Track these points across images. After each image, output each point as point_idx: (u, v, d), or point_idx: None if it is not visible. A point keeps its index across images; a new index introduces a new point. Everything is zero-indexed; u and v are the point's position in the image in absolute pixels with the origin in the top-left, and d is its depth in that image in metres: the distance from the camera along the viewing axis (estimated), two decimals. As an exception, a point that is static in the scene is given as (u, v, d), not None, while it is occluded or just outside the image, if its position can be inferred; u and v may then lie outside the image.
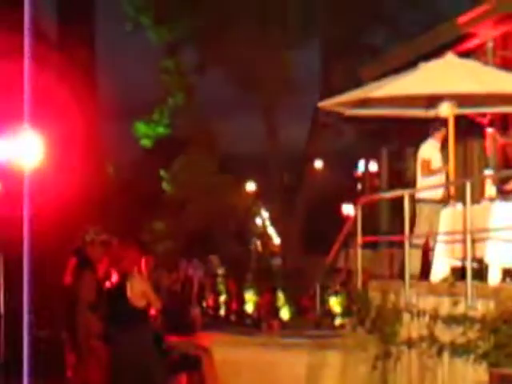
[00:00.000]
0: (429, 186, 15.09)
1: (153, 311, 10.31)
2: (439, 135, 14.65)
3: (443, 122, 14.69)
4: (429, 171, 14.22)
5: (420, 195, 14.60)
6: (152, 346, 9.98)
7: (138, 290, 9.53)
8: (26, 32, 8.06)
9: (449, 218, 13.44)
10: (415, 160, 21.09)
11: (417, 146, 22.64)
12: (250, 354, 13.01)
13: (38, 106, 16.49)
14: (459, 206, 12.97)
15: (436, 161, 14.44)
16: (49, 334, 15.01)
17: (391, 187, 22.49)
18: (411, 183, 21.38)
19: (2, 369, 13.91)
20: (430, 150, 14.54)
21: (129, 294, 9.48)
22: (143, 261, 9.79)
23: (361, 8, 29.98)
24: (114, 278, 9.75)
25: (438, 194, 14.35)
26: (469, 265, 11.62)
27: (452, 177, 15.35)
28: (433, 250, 13.76)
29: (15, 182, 17.65)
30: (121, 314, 9.54)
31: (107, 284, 9.75)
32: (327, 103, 16.55)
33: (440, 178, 13.86)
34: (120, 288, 9.54)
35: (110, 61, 31.28)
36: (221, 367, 12.70)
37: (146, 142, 31.46)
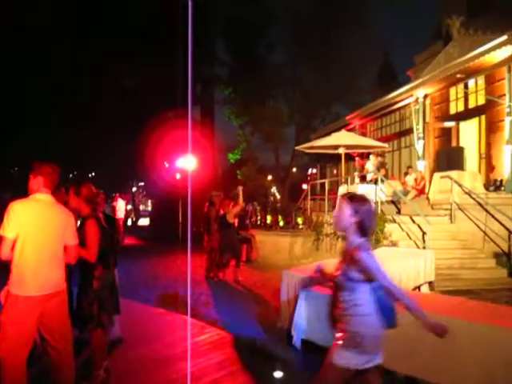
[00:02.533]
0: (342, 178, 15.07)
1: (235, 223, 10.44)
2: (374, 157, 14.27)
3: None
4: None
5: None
6: (235, 234, 10.03)
7: (230, 216, 9.63)
8: (190, 120, 8.19)
9: (342, 189, 13.39)
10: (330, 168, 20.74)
11: (330, 164, 22.50)
12: (269, 237, 12.99)
13: (194, 146, 16.56)
14: (346, 185, 12.93)
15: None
16: (196, 229, 15.00)
17: (321, 178, 22.38)
18: (327, 177, 21.25)
19: (180, 243, 14.00)
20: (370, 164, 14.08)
21: (227, 217, 9.59)
22: (232, 204, 9.81)
23: (310, 114, 29.75)
24: (222, 211, 9.83)
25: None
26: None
27: (344, 174, 15.26)
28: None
29: (186, 174, 17.69)
30: (224, 224, 9.63)
31: (221, 213, 9.88)
32: (298, 147, 16.47)
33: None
34: (224, 215, 9.64)
35: (219, 129, 31.39)
36: (259, 242, 12.69)
37: (232, 161, 31.30)
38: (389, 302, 2.80)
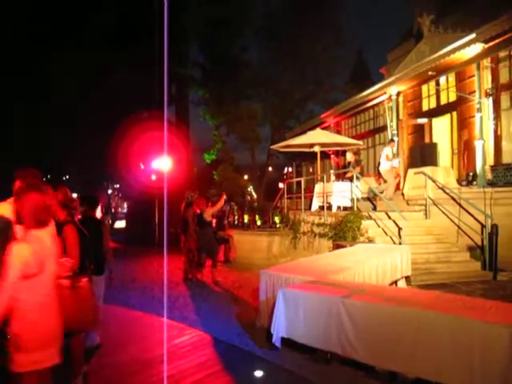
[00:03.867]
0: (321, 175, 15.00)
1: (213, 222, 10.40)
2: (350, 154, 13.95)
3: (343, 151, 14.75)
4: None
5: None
6: (212, 234, 9.92)
7: (208, 214, 9.54)
8: (165, 121, 8.11)
9: (318, 187, 13.38)
10: (305, 167, 20.75)
11: (306, 162, 22.59)
12: (246, 237, 12.91)
13: (169, 147, 16.43)
14: (321, 183, 12.93)
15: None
16: (174, 230, 14.87)
17: (296, 176, 22.44)
18: (303, 175, 21.25)
19: (157, 245, 13.79)
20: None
21: (204, 215, 9.50)
22: (209, 204, 9.68)
23: (285, 113, 29.80)
24: (198, 210, 9.73)
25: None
26: (325, 204, 11.63)
27: (319, 172, 15.33)
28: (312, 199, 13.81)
29: (161, 175, 17.53)
30: (202, 222, 9.54)
31: (197, 211, 9.76)
32: (273, 146, 16.42)
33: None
34: (202, 214, 9.53)
35: (194, 129, 31.20)
36: (236, 242, 12.64)
37: (208, 161, 31.03)
38: None
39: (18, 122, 19.55)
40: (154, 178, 20.15)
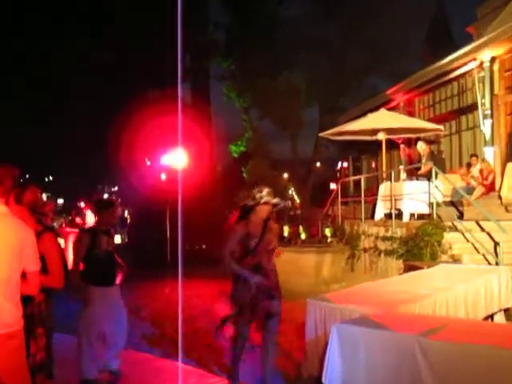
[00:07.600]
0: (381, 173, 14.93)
1: None
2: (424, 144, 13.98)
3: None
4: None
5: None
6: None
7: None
8: (179, 102, 8.17)
9: (383, 188, 13.37)
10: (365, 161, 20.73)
11: (366, 155, 22.52)
12: (287, 255, 12.89)
13: (184, 138, 16.60)
14: (388, 182, 12.87)
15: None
16: (189, 247, 15.02)
17: (354, 174, 22.32)
18: (363, 172, 21.18)
19: (169, 266, 13.93)
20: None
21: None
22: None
23: (337, 90, 29.69)
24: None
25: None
26: (393, 211, 11.58)
27: (385, 168, 15.27)
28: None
29: (174, 174, 17.72)
30: None
31: None
32: (323, 134, 16.46)
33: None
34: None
35: (217, 114, 31.36)
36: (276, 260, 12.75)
37: (235, 154, 31.23)
38: None
39: None
40: (163, 177, 20.35)
